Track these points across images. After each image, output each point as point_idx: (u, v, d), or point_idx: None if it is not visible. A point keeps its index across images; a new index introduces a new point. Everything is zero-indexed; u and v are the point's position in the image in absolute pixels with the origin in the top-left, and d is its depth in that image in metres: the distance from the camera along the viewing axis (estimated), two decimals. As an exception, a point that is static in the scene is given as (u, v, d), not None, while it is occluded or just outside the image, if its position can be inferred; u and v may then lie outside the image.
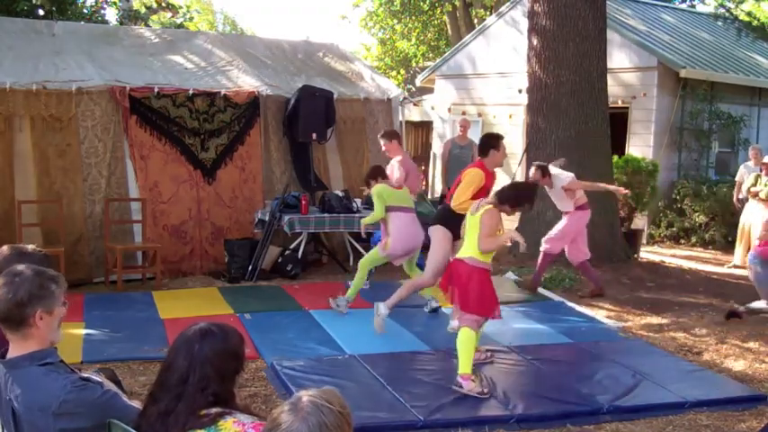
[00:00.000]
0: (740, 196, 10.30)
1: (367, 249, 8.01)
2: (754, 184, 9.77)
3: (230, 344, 2.31)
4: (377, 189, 6.60)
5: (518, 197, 5.14)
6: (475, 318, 5.06)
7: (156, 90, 8.16)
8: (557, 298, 7.84)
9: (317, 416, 1.68)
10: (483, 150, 6.14)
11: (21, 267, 2.53)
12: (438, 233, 6.24)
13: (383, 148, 7.67)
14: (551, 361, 5.79)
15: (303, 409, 1.69)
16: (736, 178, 10.62)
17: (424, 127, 16.18)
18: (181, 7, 20.53)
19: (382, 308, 6.20)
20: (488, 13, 19.17)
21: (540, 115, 9.52)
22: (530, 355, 5.87)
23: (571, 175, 7.67)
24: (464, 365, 4.97)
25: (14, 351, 2.49)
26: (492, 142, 6.14)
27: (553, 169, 7.69)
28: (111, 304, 7.00)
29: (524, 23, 10.59)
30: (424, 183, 14.23)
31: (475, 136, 12.52)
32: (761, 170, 9.76)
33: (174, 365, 2.26)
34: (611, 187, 8.52)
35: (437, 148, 14.13)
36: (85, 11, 14.81)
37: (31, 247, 3.10)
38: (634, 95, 11.91)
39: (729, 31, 12.87)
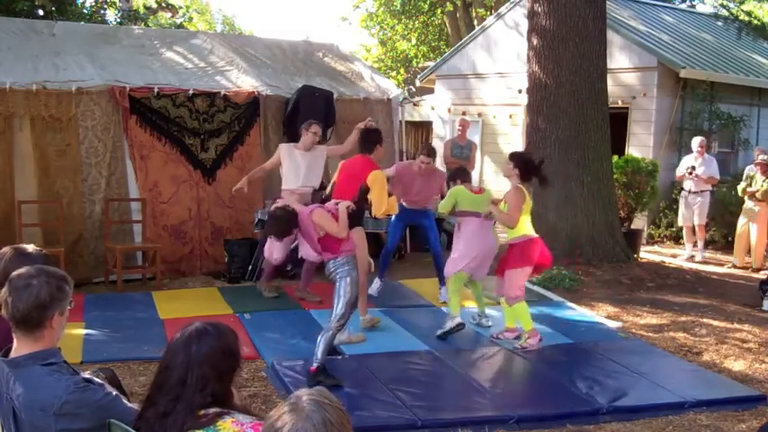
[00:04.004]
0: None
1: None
2: (750, 185, 9.79)
3: (226, 342, 2.31)
4: (454, 190, 6.49)
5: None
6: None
7: (155, 90, 8.16)
8: (557, 298, 7.83)
9: (321, 413, 1.66)
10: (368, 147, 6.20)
11: (32, 270, 2.51)
12: None
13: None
14: (551, 361, 5.79)
15: (305, 408, 1.67)
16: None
17: (424, 127, 16.18)
18: (181, 7, 20.53)
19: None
20: (489, 12, 19.17)
21: (540, 115, 9.51)
22: (530, 355, 5.87)
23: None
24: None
25: (21, 350, 2.49)
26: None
27: None
28: (110, 304, 7.00)
29: (524, 24, 10.59)
30: None
31: (475, 136, 12.55)
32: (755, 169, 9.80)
33: (171, 367, 2.26)
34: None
35: (437, 148, 14.11)
36: (85, 11, 14.80)
37: (31, 247, 3.09)
38: (634, 95, 11.91)
39: (729, 31, 12.86)
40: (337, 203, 5.35)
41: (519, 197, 6.01)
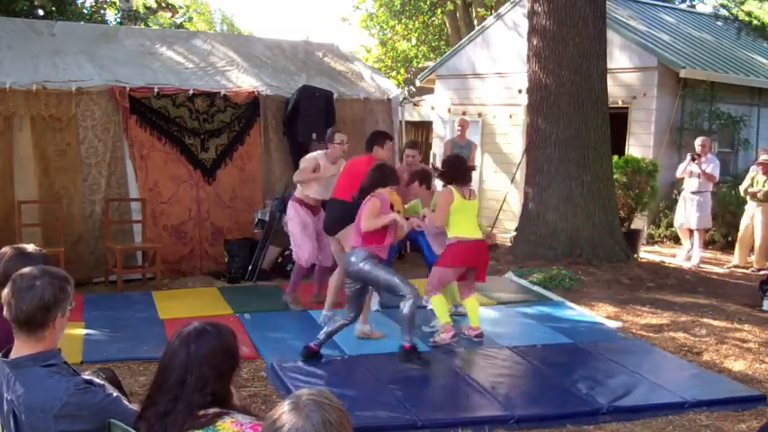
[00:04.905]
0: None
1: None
2: (751, 185, 9.79)
3: (226, 342, 2.31)
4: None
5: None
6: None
7: (155, 90, 8.16)
8: (557, 298, 7.83)
9: (320, 413, 1.66)
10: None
11: (35, 270, 2.51)
12: None
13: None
14: (551, 361, 5.79)
15: (305, 407, 1.67)
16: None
17: (424, 127, 16.17)
18: (181, 7, 20.53)
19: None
20: (489, 12, 19.16)
21: (540, 115, 9.51)
22: (530, 355, 5.87)
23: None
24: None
25: (22, 351, 2.48)
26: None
27: None
28: (110, 304, 7.01)
29: (524, 24, 10.59)
30: None
31: (475, 136, 12.54)
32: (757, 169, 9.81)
33: (170, 367, 2.25)
34: None
35: (437, 148, 14.12)
36: (85, 11, 14.80)
37: (31, 247, 3.09)
38: (634, 95, 11.91)
39: (729, 31, 12.86)
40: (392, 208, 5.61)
41: (446, 197, 6.06)
